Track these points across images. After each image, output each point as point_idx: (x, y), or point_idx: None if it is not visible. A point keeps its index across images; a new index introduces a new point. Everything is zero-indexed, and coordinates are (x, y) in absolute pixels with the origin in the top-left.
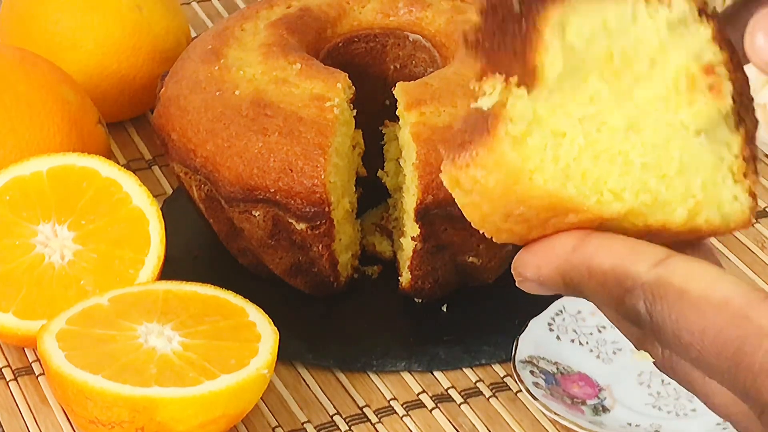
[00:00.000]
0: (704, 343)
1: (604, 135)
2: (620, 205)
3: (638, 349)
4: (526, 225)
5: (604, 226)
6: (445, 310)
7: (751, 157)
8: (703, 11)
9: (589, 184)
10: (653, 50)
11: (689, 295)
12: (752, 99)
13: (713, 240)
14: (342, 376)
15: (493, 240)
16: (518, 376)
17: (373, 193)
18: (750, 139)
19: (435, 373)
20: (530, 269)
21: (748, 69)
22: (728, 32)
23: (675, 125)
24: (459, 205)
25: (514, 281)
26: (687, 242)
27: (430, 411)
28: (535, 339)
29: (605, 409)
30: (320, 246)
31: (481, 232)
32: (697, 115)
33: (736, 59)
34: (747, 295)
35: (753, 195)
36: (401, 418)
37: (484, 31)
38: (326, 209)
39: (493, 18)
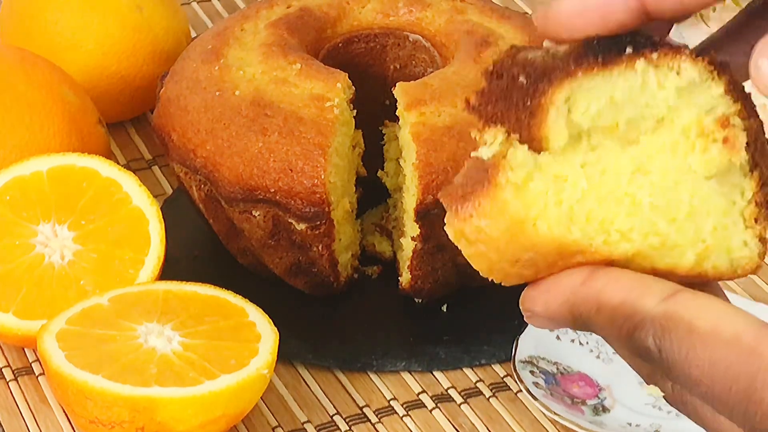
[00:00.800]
0: (714, 379)
1: (609, 178)
2: (628, 245)
3: (648, 384)
4: (534, 268)
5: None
6: (445, 310)
7: (764, 202)
8: (714, 66)
9: (595, 225)
10: (661, 112)
11: (698, 330)
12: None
13: None
14: (342, 376)
15: (502, 284)
16: (518, 376)
17: (373, 193)
18: (764, 184)
19: (435, 373)
20: (538, 304)
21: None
22: (730, 54)
23: (684, 169)
24: (465, 256)
25: None
26: (691, 285)
27: (430, 411)
28: (535, 339)
29: (605, 409)
30: (320, 246)
31: None
32: (708, 163)
33: (749, 105)
34: (758, 330)
35: (763, 240)
36: (401, 418)
37: (487, 96)
38: (326, 209)
39: (497, 84)
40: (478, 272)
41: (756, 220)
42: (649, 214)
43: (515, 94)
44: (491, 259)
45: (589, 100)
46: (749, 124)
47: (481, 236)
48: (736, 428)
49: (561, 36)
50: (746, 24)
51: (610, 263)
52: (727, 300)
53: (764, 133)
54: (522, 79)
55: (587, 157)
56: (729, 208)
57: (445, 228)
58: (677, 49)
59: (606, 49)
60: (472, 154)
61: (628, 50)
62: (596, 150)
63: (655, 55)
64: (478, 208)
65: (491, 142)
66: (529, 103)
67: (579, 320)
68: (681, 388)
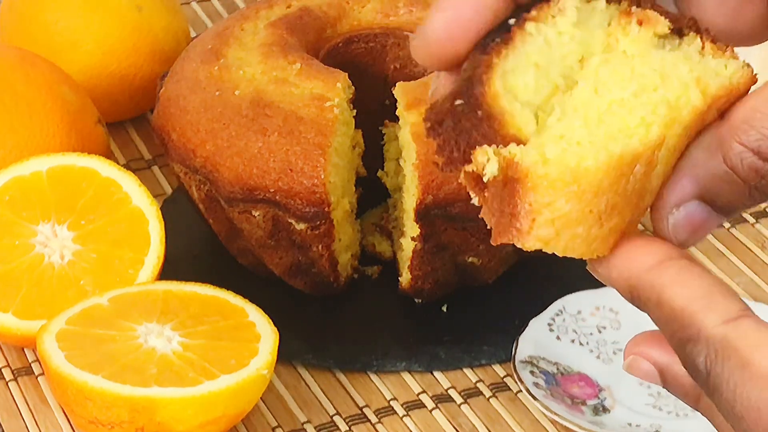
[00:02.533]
0: (759, 423)
1: (586, 103)
2: (656, 128)
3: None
4: (617, 211)
5: (665, 152)
6: (445, 310)
7: (712, 37)
8: None
9: (621, 135)
10: (580, 52)
11: (753, 367)
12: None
13: (713, 240)
14: (342, 376)
15: (607, 253)
16: (518, 376)
17: (373, 193)
18: (699, 30)
19: (435, 373)
20: (602, 268)
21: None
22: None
23: (626, 55)
24: (560, 255)
25: (514, 281)
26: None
27: (430, 411)
28: (535, 339)
29: (605, 410)
30: (320, 246)
31: (482, 233)
32: (640, 40)
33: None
34: None
35: (736, 57)
36: (401, 418)
37: (446, 146)
38: (326, 209)
39: (444, 129)
40: (478, 272)
41: (721, 51)
42: (639, 99)
43: (463, 120)
44: (580, 235)
45: (521, 76)
46: (645, 4)
47: (556, 226)
48: None
49: (441, 65)
50: None
51: (658, 151)
52: None
53: (662, 6)
54: (458, 102)
55: (546, 108)
56: (689, 54)
57: (526, 249)
58: None
59: (497, 33)
60: (485, 179)
61: (511, 22)
62: (563, 118)
63: (534, 13)
64: (531, 210)
65: (486, 160)
66: (479, 113)
67: (636, 302)
68: (717, 408)
